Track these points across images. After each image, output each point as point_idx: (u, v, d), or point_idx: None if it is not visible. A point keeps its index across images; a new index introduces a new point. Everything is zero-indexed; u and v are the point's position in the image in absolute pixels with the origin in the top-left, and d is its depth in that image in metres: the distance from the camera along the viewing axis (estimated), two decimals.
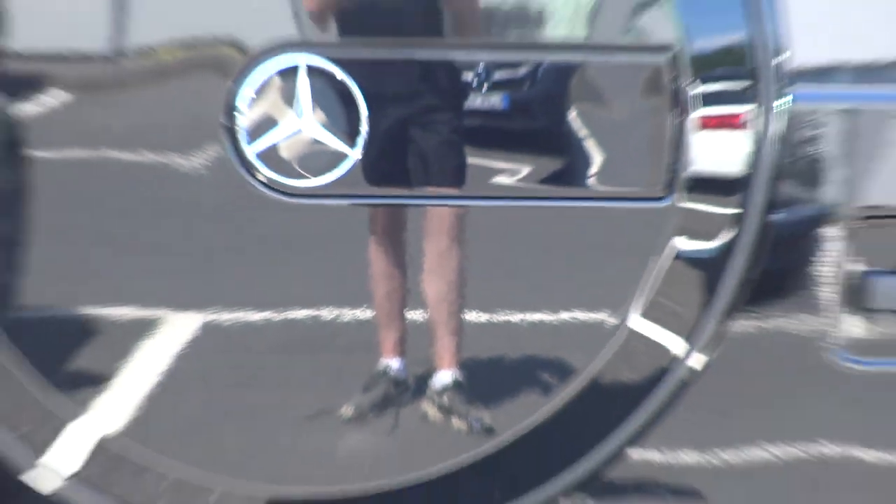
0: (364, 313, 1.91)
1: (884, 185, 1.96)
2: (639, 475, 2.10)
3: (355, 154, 1.74)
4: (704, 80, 1.80)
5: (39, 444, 2.01)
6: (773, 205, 1.82)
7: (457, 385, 1.87)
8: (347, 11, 1.82)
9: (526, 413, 1.95)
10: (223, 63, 1.82)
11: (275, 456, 2.06)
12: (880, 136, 1.94)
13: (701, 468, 2.08)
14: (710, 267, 1.86)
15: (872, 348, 1.94)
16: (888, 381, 1.98)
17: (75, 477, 2.04)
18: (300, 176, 1.80)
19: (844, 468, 2.09)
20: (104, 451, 2.03)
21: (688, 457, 2.05)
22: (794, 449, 2.07)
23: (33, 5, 1.86)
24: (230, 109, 1.75)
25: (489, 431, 1.90)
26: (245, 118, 1.76)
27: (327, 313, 1.91)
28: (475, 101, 1.78)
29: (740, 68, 1.80)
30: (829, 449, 2.07)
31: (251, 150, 1.76)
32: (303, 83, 1.76)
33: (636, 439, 1.95)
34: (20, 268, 1.94)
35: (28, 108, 1.86)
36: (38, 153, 1.84)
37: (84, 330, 1.99)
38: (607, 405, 1.96)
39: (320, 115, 1.81)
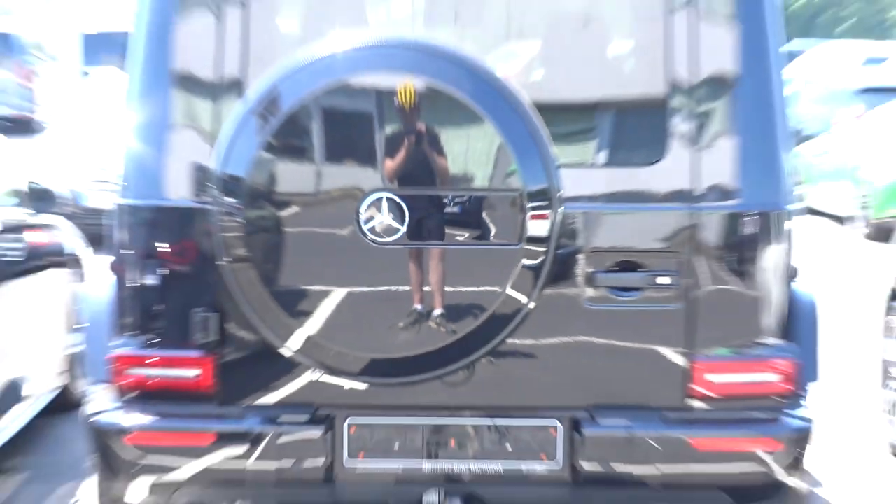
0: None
1: None
2: None
3: (403, 228, 3.55)
4: (531, 201, 3.62)
5: None
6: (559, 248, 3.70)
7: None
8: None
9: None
10: (356, 195, 3.61)
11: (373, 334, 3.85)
12: None
13: None
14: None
15: None
16: None
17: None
18: (383, 235, 3.59)
19: None
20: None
21: None
22: None
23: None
24: (357, 212, 3.58)
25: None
26: (363, 215, 3.58)
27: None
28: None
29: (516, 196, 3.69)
30: None
31: (365, 227, 3.54)
32: (384, 203, 3.58)
33: None
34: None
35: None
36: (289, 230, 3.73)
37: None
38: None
39: (390, 214, 3.59)
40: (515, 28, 4.48)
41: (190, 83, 4.07)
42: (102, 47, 20.09)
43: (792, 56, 11.09)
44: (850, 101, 17.19)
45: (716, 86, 4.12)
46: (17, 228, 6.59)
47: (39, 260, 6.79)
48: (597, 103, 4.26)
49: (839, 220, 15.22)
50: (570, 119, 4.19)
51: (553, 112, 3.90)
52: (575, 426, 4.05)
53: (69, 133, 12.48)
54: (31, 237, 6.74)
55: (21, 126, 20.40)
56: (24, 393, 6.47)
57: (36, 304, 6.74)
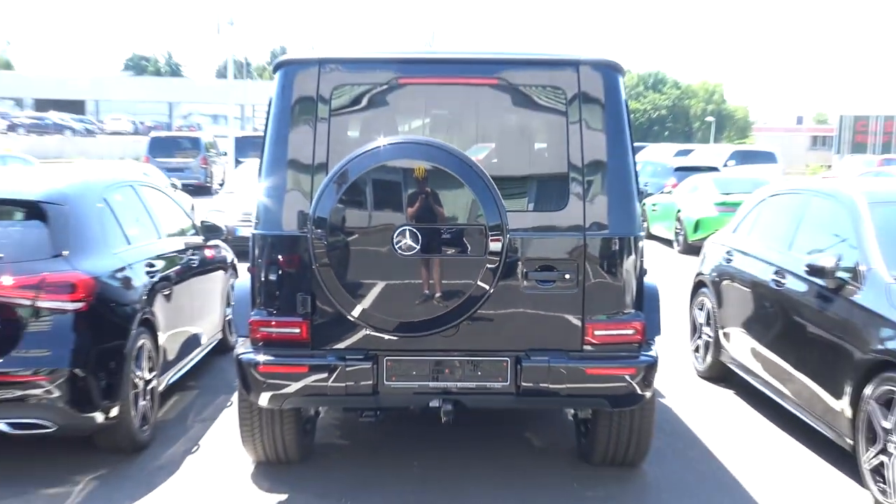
0: None
1: None
2: None
3: (417, 246, 4.07)
4: (491, 231, 4.11)
5: None
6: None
7: None
8: None
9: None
10: (391, 227, 4.05)
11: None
12: None
13: None
14: None
15: None
16: None
17: None
18: (406, 250, 4.08)
19: None
20: None
21: None
22: None
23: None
24: (392, 237, 4.04)
25: None
26: (395, 239, 4.04)
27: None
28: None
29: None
30: None
31: (396, 246, 4.05)
32: (407, 232, 4.04)
33: None
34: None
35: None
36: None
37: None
38: None
39: (410, 238, 4.05)
40: (481, 135, 4.88)
41: (297, 165, 4.52)
42: (248, 146, 27.05)
43: (637, 150, 12.42)
44: (669, 175, 21.13)
45: (595, 167, 4.53)
46: (199, 248, 7.35)
47: (210, 266, 7.54)
48: (527, 176, 4.73)
49: (668, 242, 17.81)
50: (512, 185, 4.56)
51: (503, 181, 4.31)
52: (517, 361, 4.48)
53: (228, 193, 14.80)
54: (206, 253, 7.48)
55: (200, 189, 26.42)
56: (202, 341, 7.24)
57: (209, 291, 7.53)
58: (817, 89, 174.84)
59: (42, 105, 72.09)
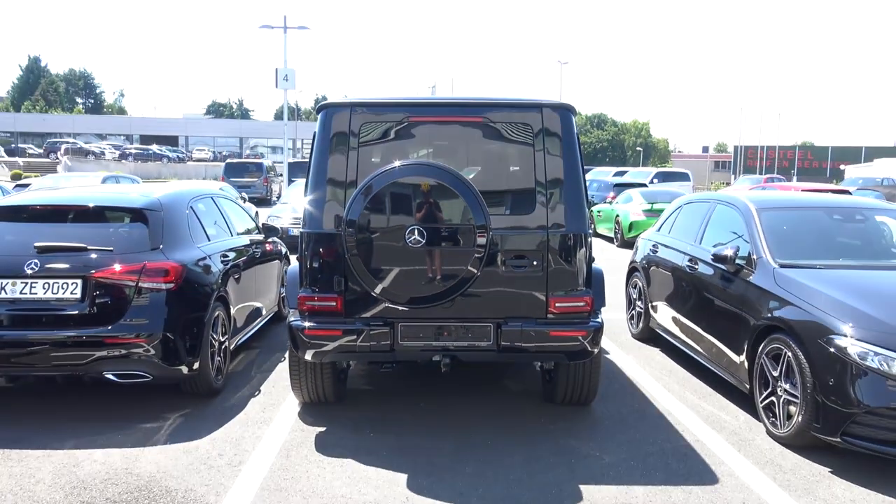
0: None
1: None
2: None
3: (423, 240, 4.03)
4: (478, 229, 4.11)
5: None
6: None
7: None
8: None
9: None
10: (404, 227, 4.06)
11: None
12: None
13: None
14: None
15: None
16: None
17: None
18: (416, 244, 4.08)
19: None
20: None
21: None
22: None
23: None
24: (405, 234, 4.04)
25: None
26: (407, 235, 4.05)
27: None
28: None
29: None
30: None
31: (408, 240, 4.02)
32: (416, 230, 4.06)
33: None
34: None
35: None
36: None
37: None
38: None
39: (418, 235, 4.06)
40: (470, 159, 4.83)
41: (334, 182, 4.49)
42: (298, 169, 25.89)
43: (587, 171, 12.84)
44: (609, 189, 21.45)
45: (555, 183, 4.50)
46: (261, 243, 7.26)
47: (269, 257, 7.44)
48: (505, 190, 4.63)
49: (609, 239, 17.84)
50: (495, 197, 4.49)
51: (487, 194, 4.29)
52: (499, 326, 4.46)
53: (283, 204, 14.73)
54: (266, 247, 7.37)
55: (262, 201, 26.90)
56: (262, 313, 7.16)
57: (268, 275, 7.45)
58: (718, 125, 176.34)
59: (146, 140, 72.95)
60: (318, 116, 4.62)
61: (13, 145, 61.48)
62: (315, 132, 4.60)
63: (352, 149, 4.44)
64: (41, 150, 56.80)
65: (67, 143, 54.85)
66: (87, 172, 21.61)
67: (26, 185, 16.60)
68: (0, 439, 4.51)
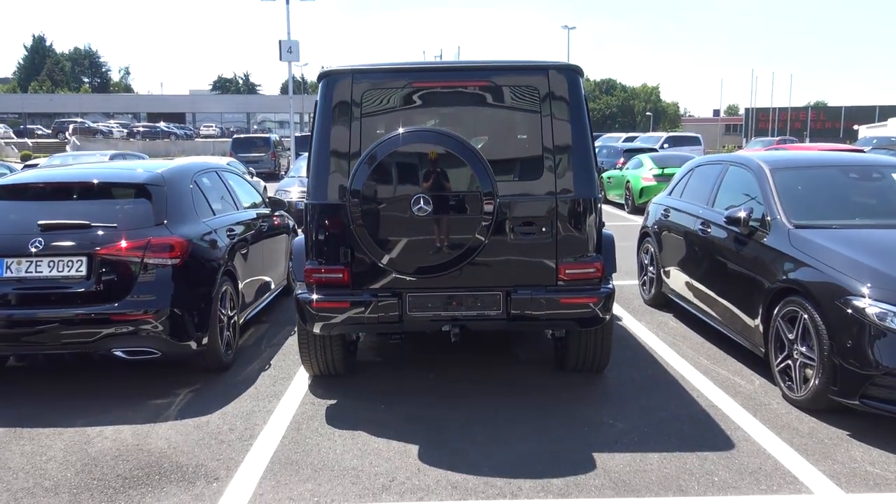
0: None
1: None
2: None
3: (430, 208, 4.04)
4: (485, 196, 4.04)
5: None
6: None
7: None
8: None
9: None
10: (410, 195, 4.04)
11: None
12: None
13: None
14: None
15: None
16: None
17: None
18: (422, 212, 3.99)
19: None
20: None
21: None
22: None
23: None
24: (411, 202, 3.98)
25: None
26: (413, 203, 3.97)
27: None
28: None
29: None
30: None
31: (414, 209, 3.94)
32: (422, 198, 4.04)
33: None
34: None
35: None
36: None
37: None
38: None
39: (425, 203, 4.04)
40: (479, 128, 4.71)
41: (338, 153, 4.42)
42: (305, 144, 25.24)
43: (596, 137, 13.69)
44: (619, 155, 21.28)
45: (563, 149, 4.42)
46: (268, 217, 7.30)
47: (277, 230, 7.49)
48: (513, 158, 4.55)
49: (620, 206, 17.94)
50: (502, 163, 4.41)
51: (494, 161, 4.23)
52: (508, 294, 4.39)
53: (290, 178, 14.80)
54: (273, 221, 7.42)
55: (270, 176, 26.57)
56: (271, 287, 7.20)
57: (276, 249, 7.47)
58: (729, 88, 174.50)
59: (153, 117, 73.17)
60: (320, 84, 4.51)
61: (22, 126, 62.26)
62: (317, 101, 4.50)
63: (354, 118, 4.36)
64: (49, 131, 57.37)
65: (75, 122, 54.98)
66: (95, 151, 21.67)
67: (35, 166, 16.61)
68: (11, 417, 4.56)
